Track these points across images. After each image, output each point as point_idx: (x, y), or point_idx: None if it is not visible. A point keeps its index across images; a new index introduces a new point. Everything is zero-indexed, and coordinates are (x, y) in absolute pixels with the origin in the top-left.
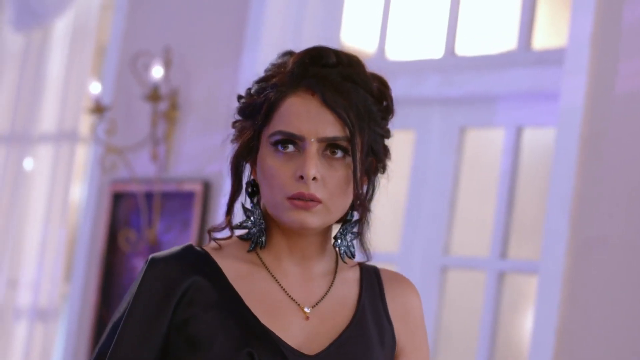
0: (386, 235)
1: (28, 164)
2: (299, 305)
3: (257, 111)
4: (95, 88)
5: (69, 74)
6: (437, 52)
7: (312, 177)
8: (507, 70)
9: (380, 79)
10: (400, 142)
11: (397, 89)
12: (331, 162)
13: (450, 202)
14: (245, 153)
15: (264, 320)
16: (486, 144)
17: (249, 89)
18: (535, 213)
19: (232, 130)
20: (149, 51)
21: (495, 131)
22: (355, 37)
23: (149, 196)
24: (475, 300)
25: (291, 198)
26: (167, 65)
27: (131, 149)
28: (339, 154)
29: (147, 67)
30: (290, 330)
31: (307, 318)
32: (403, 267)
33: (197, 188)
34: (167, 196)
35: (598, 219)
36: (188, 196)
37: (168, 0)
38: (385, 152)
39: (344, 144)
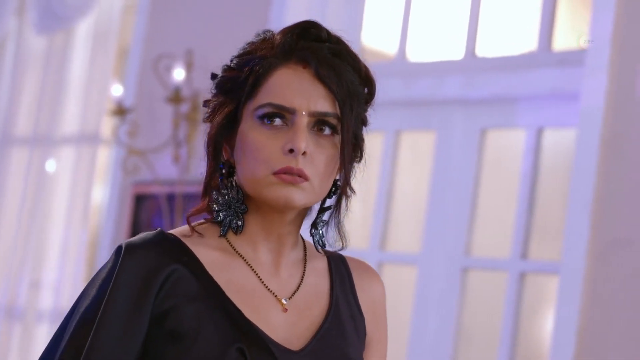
0: (407, 236)
1: (50, 165)
2: (275, 296)
3: (239, 85)
4: (117, 90)
5: (91, 77)
6: (457, 53)
7: (302, 151)
8: (527, 71)
9: (365, 65)
10: (422, 143)
11: (418, 90)
12: (318, 139)
13: (472, 203)
14: (223, 130)
15: (246, 313)
16: (507, 145)
17: (228, 64)
18: (556, 214)
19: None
20: (171, 53)
21: (516, 132)
22: (376, 38)
23: (170, 198)
24: (496, 301)
25: (277, 173)
26: (189, 67)
27: (153, 151)
28: (327, 131)
29: (169, 69)
30: (271, 323)
31: (285, 310)
32: (424, 268)
33: None
34: (189, 198)
35: (619, 220)
36: None
37: (190, 2)
38: (362, 140)
39: (333, 121)
